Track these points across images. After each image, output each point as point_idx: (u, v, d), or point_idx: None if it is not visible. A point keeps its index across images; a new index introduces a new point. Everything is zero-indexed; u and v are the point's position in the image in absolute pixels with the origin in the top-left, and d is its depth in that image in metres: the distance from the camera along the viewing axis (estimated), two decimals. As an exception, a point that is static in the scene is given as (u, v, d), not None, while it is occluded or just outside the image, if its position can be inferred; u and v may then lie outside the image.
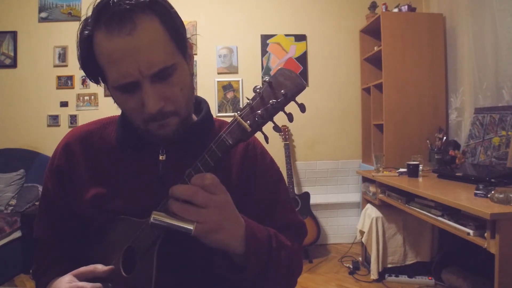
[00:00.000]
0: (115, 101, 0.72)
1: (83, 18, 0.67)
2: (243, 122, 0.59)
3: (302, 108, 0.57)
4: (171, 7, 0.68)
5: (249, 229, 0.67)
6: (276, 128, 0.60)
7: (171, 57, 0.66)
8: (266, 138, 0.62)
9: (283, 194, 0.86)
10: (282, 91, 0.57)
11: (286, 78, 0.58)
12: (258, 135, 0.64)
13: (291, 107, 0.58)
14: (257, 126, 0.58)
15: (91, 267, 0.69)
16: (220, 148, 0.61)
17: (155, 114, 0.65)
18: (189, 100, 0.73)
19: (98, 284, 0.66)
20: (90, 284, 0.66)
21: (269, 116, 0.58)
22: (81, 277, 0.68)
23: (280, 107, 0.57)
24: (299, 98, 0.53)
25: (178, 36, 0.67)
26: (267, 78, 0.59)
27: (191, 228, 0.59)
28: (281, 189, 0.86)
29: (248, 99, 0.60)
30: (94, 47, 0.65)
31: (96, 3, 0.64)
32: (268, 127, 0.59)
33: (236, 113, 0.60)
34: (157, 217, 0.62)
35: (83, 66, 0.69)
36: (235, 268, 0.68)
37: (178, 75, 0.67)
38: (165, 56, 0.64)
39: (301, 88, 0.57)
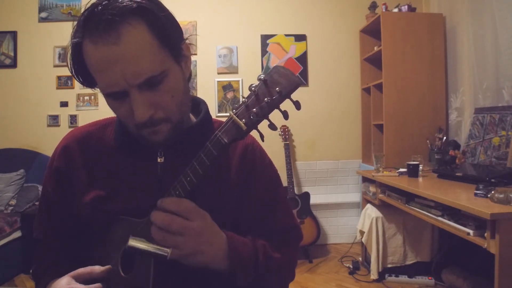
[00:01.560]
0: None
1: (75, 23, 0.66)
2: (238, 120, 0.59)
3: (297, 105, 0.57)
4: (162, 11, 0.66)
5: (232, 247, 0.69)
6: (272, 126, 0.60)
7: (160, 64, 0.64)
8: (262, 136, 0.61)
9: (281, 196, 0.86)
10: (277, 88, 0.57)
11: (281, 75, 0.57)
12: (254, 134, 0.64)
13: (287, 105, 0.57)
14: (252, 125, 0.58)
15: (88, 269, 0.70)
16: (216, 147, 0.61)
17: (145, 122, 0.65)
18: (182, 104, 0.71)
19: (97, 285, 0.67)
20: (86, 287, 0.66)
21: (264, 114, 0.58)
22: (79, 279, 0.68)
23: (275, 104, 0.57)
24: (298, 97, 0.53)
25: (169, 41, 0.65)
26: (262, 76, 0.58)
27: (166, 254, 0.63)
28: (279, 192, 0.86)
29: (243, 97, 0.60)
30: (83, 55, 0.64)
31: (83, 11, 0.63)
32: (264, 126, 0.59)
33: (231, 112, 0.60)
34: (133, 243, 0.66)
35: (75, 73, 0.68)
36: (225, 277, 0.70)
37: (168, 82, 0.66)
38: (152, 64, 0.63)
39: (295, 85, 0.57)
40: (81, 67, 0.66)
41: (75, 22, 0.66)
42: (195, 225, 0.63)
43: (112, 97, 0.66)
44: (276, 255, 0.77)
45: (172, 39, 0.66)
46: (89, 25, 0.61)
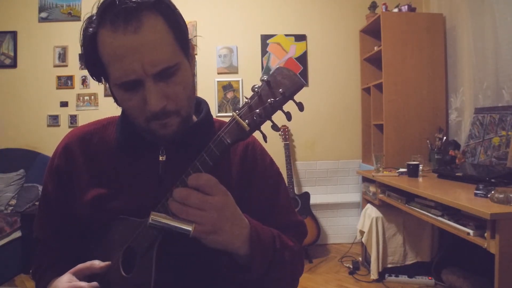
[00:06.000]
0: (115, 100, 0.72)
1: (86, 16, 0.67)
2: (241, 121, 0.59)
3: (300, 106, 0.57)
4: (175, 8, 0.68)
5: (253, 230, 0.67)
6: (274, 127, 0.60)
7: (175, 56, 0.66)
8: (265, 137, 0.62)
9: (283, 194, 0.86)
10: (280, 90, 0.57)
11: (284, 77, 0.58)
12: (257, 134, 0.64)
13: (289, 106, 0.58)
14: (256, 125, 0.58)
15: (88, 264, 0.69)
16: (219, 148, 0.60)
17: (157, 113, 0.65)
18: (191, 99, 0.73)
19: (95, 283, 0.66)
20: (88, 284, 0.66)
21: (267, 115, 0.58)
22: (79, 275, 0.68)
23: (278, 106, 0.57)
24: (298, 97, 0.53)
25: (181, 36, 0.68)
26: (265, 77, 0.59)
27: (190, 229, 0.59)
28: (281, 190, 0.86)
29: (246, 98, 0.60)
30: (98, 45, 0.65)
31: (101, 1, 0.64)
32: (267, 127, 0.59)
33: (234, 112, 0.60)
34: (155, 217, 0.62)
35: (87, 64, 0.69)
36: (239, 268, 0.68)
37: (181, 75, 0.67)
38: (169, 55, 0.65)
39: (299, 86, 0.57)
40: (93, 57, 0.67)
41: (85, 17, 0.67)
42: (216, 200, 0.61)
43: (125, 88, 0.66)
44: (290, 243, 0.76)
45: (183, 35, 0.69)
46: (109, 15, 0.62)
